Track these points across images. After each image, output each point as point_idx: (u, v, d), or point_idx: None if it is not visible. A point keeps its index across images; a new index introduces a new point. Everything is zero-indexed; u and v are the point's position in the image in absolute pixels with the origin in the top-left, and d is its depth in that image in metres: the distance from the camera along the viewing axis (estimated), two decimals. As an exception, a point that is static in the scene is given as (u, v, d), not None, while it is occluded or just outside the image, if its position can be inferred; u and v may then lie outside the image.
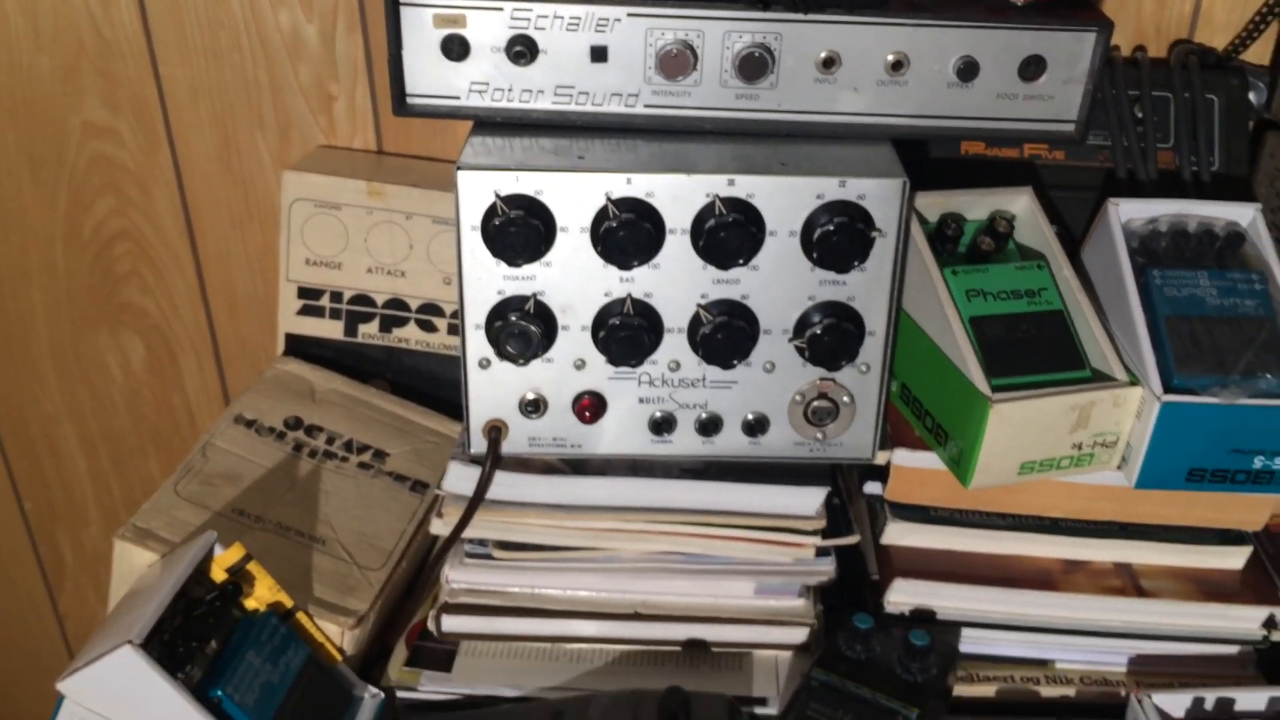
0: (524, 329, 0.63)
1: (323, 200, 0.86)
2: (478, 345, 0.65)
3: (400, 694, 0.72)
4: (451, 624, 0.73)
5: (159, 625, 0.60)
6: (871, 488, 0.74)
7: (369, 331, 0.89)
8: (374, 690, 0.71)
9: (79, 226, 0.97)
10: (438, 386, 0.90)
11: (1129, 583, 0.71)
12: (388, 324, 0.89)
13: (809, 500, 0.68)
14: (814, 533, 0.68)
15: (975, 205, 0.72)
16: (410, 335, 0.89)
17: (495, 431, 0.67)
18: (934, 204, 0.71)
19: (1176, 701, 0.68)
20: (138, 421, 1.07)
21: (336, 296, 0.88)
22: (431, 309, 0.88)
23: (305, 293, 0.88)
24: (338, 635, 0.70)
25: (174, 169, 0.94)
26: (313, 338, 0.89)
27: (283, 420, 0.82)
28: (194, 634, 0.63)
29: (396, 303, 0.88)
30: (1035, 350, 0.65)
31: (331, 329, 0.89)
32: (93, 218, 0.97)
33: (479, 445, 0.68)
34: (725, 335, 0.63)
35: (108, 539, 1.15)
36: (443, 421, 0.87)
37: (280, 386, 0.85)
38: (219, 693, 0.61)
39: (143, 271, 0.99)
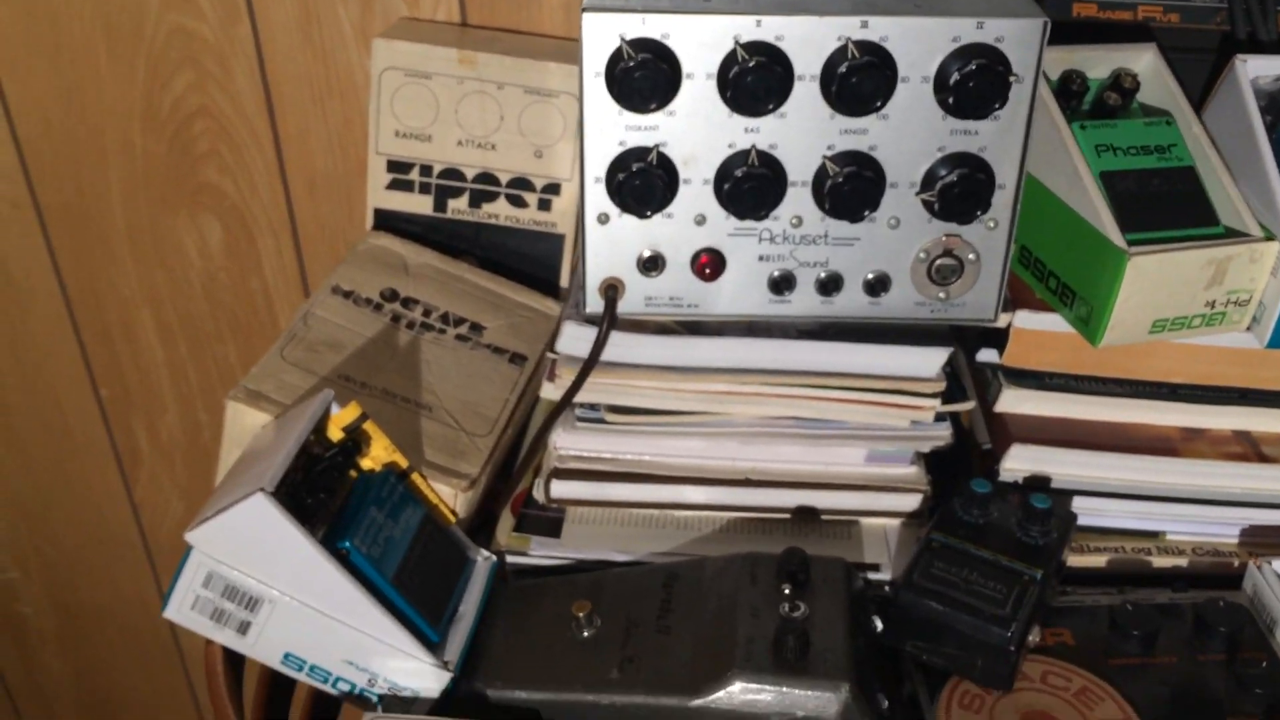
0: (647, 180, 0.61)
1: (413, 69, 0.84)
2: (597, 199, 0.64)
3: (510, 559, 0.72)
4: (561, 489, 0.73)
5: (286, 477, 0.60)
6: (985, 355, 0.72)
7: (458, 207, 0.88)
8: (487, 553, 0.71)
9: (157, 103, 0.96)
10: (525, 263, 0.89)
11: (1250, 449, 0.70)
12: (477, 199, 0.87)
13: (930, 361, 0.67)
14: (934, 395, 0.68)
15: (1098, 63, 0.70)
16: (500, 211, 0.88)
17: (612, 290, 0.66)
18: (1055, 60, 0.69)
19: (1296, 567, 0.68)
20: (215, 307, 1.06)
21: (426, 170, 0.87)
22: (521, 183, 0.87)
23: (394, 166, 0.87)
24: (450, 498, 0.70)
25: (254, 41, 0.92)
26: (402, 213, 0.88)
27: (379, 292, 0.81)
28: (319, 488, 0.63)
29: (486, 177, 0.87)
30: (1167, 206, 0.64)
31: (421, 204, 0.88)
32: (171, 94, 0.95)
33: (595, 305, 0.67)
34: (853, 187, 0.61)
35: (184, 427, 1.15)
36: (535, 297, 0.86)
37: (373, 260, 0.84)
38: (347, 544, 0.61)
39: (221, 150, 0.97)
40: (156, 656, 1.32)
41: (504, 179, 0.87)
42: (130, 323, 1.08)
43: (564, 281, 0.89)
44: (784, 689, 0.60)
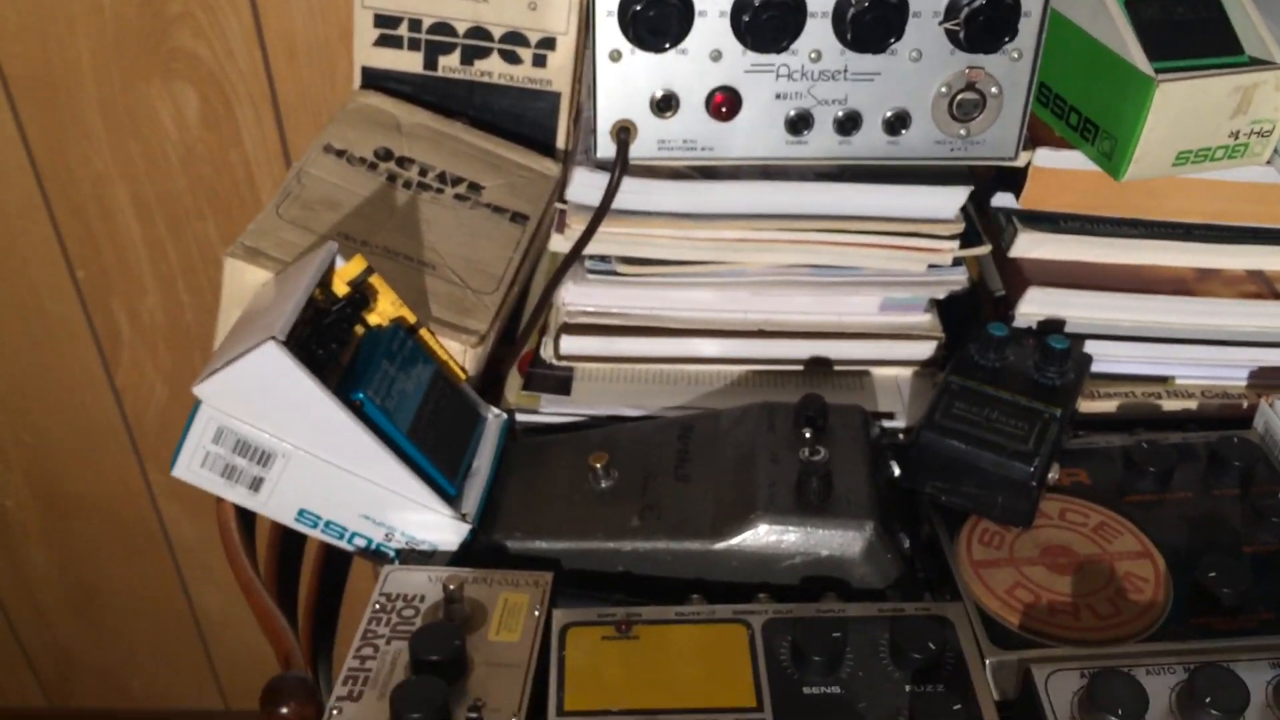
0: (662, 9, 0.59)
1: (399, -84, 0.80)
2: (609, 34, 0.61)
3: (520, 417, 0.71)
4: (571, 345, 0.71)
5: (294, 329, 0.58)
6: (1001, 200, 0.71)
7: (449, 64, 0.84)
8: (497, 411, 0.70)
9: (124, -39, 0.91)
10: (520, 124, 0.86)
11: (1264, 288, 0.69)
12: (469, 55, 0.84)
13: (949, 201, 0.66)
14: (952, 237, 0.66)
15: (1118, -107, 0.67)
16: (493, 68, 0.84)
17: (624, 133, 0.64)
18: (1076, -110, 0.67)
19: (1306, 405, 0.68)
20: (194, 182, 1.03)
21: (415, 25, 0.83)
22: (515, 38, 0.83)
23: (382, 20, 0.83)
24: (460, 354, 0.69)
25: (227, -109, 0.87)
26: (391, 71, 0.85)
27: (373, 151, 0.78)
28: (328, 340, 0.61)
29: (478, 31, 0.83)
30: (1192, 34, 0.62)
31: (410, 61, 0.84)
32: (139, -49, 0.90)
33: (606, 149, 0.65)
34: (876, 15, 0.59)
35: (165, 309, 1.12)
36: (533, 157, 0.83)
37: (364, 119, 0.81)
38: (361, 395, 0.59)
39: (195, 11, 0.93)
40: (144, 545, 1.31)
41: (497, 33, 0.83)
42: (105, 199, 1.04)
43: (560, 142, 0.86)
44: (808, 529, 0.60)
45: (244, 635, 1.32)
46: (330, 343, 0.61)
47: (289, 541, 0.69)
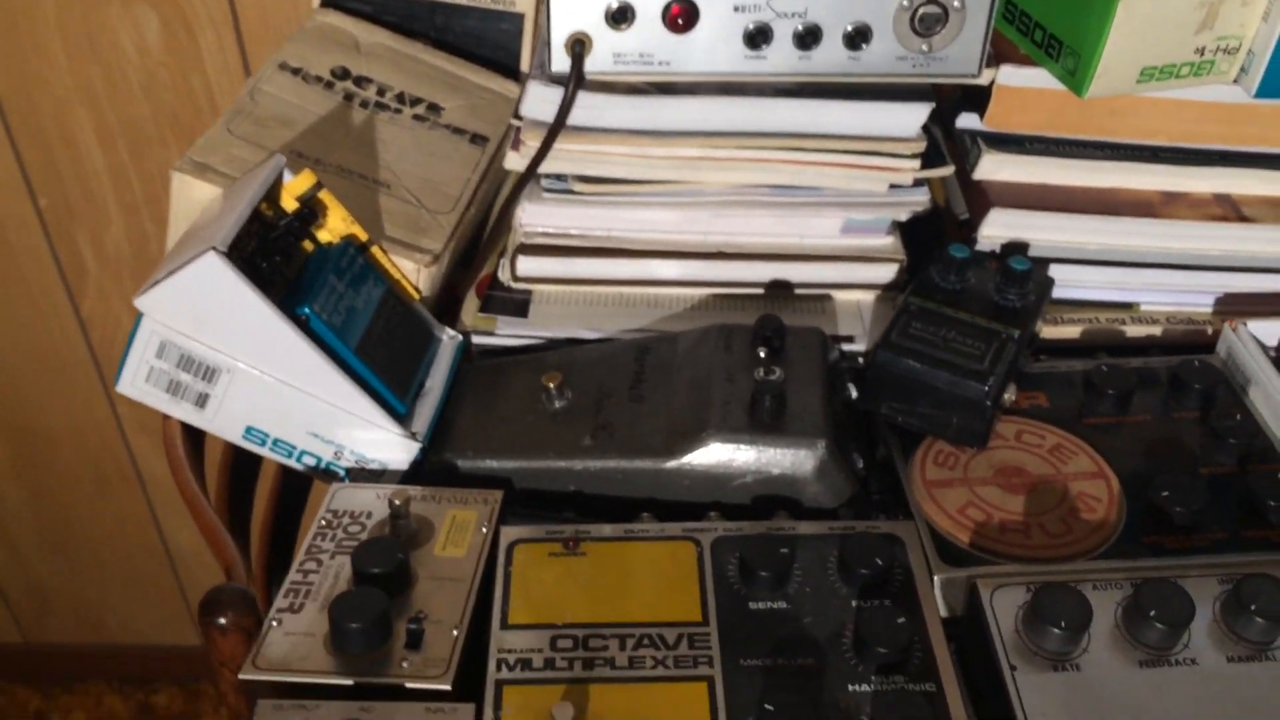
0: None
1: None
2: (562, -58, 0.60)
3: (476, 339, 0.70)
4: (527, 266, 0.70)
5: (238, 241, 0.57)
6: (965, 121, 0.70)
7: (410, -17, 0.83)
8: (452, 332, 0.69)
9: (79, -123, 0.89)
10: (484, 46, 0.84)
11: (1230, 211, 0.68)
12: (431, -27, 0.82)
13: (911, 118, 0.65)
14: (914, 156, 0.65)
15: None
16: (455, -13, 0.83)
17: (579, 45, 0.62)
18: None
19: (1269, 330, 0.67)
20: (156, 107, 1.01)
21: (375, -57, 0.81)
22: (477, -43, 0.82)
23: (341, -61, 0.81)
24: (413, 273, 0.68)
25: None
26: (350, -11, 0.83)
27: (329, 70, 0.77)
28: (274, 253, 0.60)
29: (440, -51, 0.81)
30: (1160, -52, 0.61)
31: (370, -21, 0.83)
32: None
33: (560, 63, 0.63)
34: (835, -77, 0.58)
35: (130, 238, 1.11)
36: (495, 79, 0.82)
37: (322, 37, 0.79)
38: (306, 309, 0.59)
39: (153, -70, 0.91)
40: (115, 480, 1.30)
41: (458, -48, 0.82)
42: (67, 126, 1.03)
43: (524, 65, 0.85)
44: (760, 448, 0.59)
45: (217, 570, 1.32)
46: (276, 257, 0.60)
47: (243, 463, 0.69)
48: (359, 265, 0.63)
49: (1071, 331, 0.71)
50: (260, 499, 0.70)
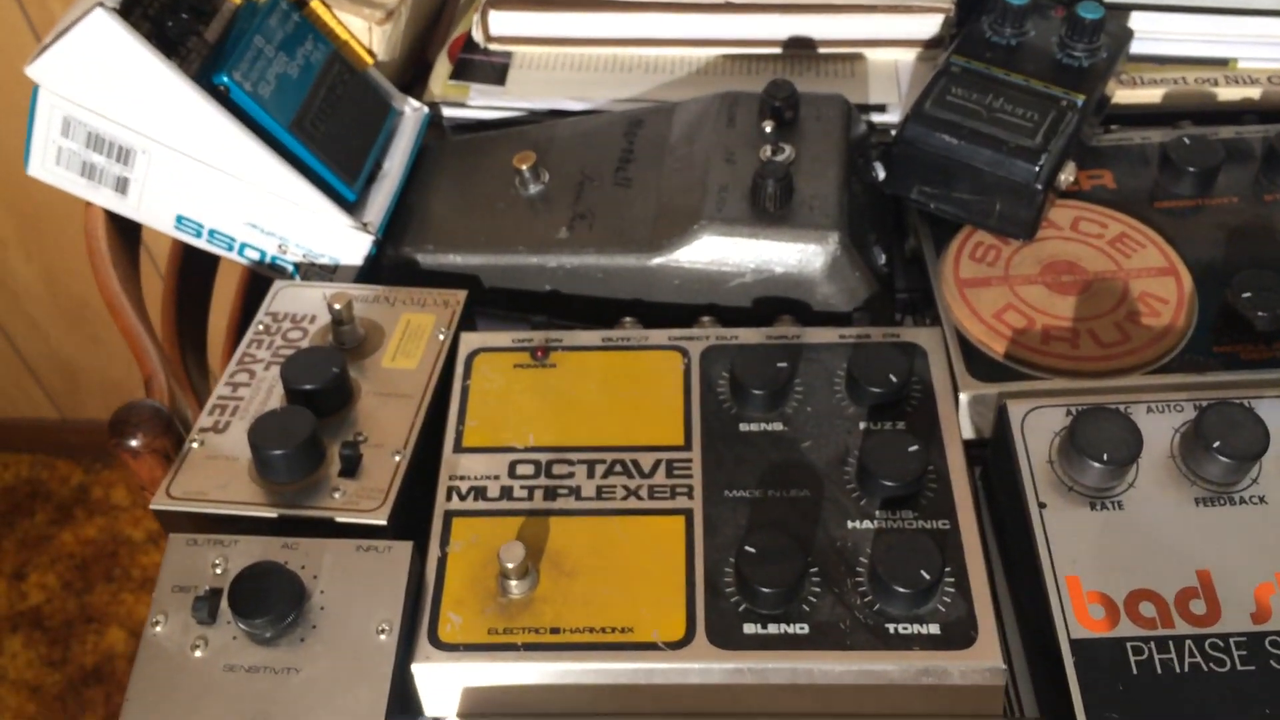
0: None
1: None
2: None
3: (446, 112, 0.61)
4: (502, 23, 0.60)
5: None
6: None
7: None
8: (416, 104, 0.59)
9: None
10: None
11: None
12: None
13: None
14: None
15: None
16: None
17: None
18: None
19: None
20: None
21: None
22: None
23: None
24: (364, 32, 0.58)
25: None
26: None
27: None
28: (185, 8, 0.51)
29: None
30: None
31: None
32: None
33: None
34: None
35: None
36: None
37: None
38: (225, 78, 0.50)
39: None
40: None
41: None
42: None
43: None
44: (761, 241, 0.50)
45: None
46: (184, 14, 0.50)
47: (195, 265, 0.61)
48: (294, 24, 0.54)
49: (1151, 95, 0.60)
50: (225, 307, 0.63)
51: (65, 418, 1.48)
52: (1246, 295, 0.47)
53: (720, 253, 0.50)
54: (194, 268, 0.61)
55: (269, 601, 0.39)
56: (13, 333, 1.36)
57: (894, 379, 0.46)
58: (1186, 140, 0.54)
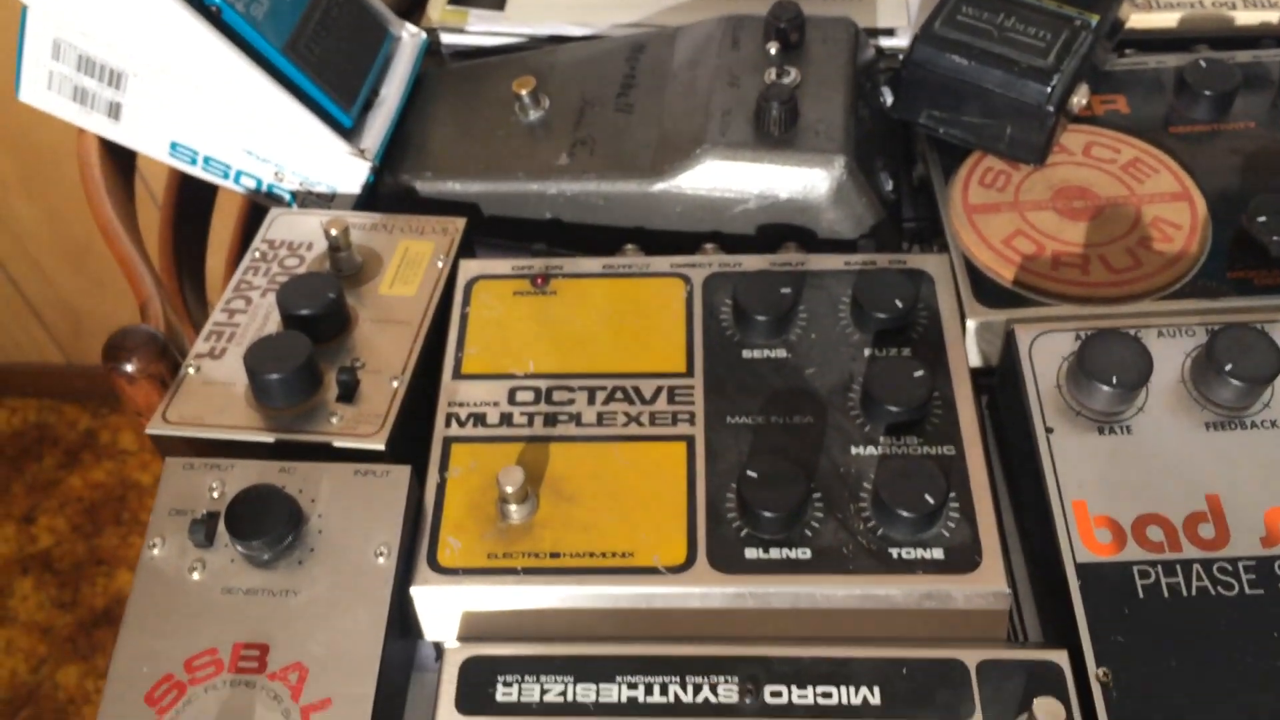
0: None
1: None
2: None
3: (445, 38, 0.60)
4: (500, -55, 0.59)
5: (124, -89, 0.47)
6: None
7: None
8: (414, 29, 0.58)
9: None
10: None
11: None
12: None
13: None
14: None
15: None
16: None
17: None
18: None
19: None
20: None
21: None
22: None
23: None
24: (360, -46, 0.56)
25: None
26: None
27: None
28: (172, -73, 0.49)
29: None
30: None
31: None
32: None
33: None
34: None
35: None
36: None
37: None
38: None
39: None
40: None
41: None
42: None
43: None
44: (765, 165, 0.49)
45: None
46: (174, -69, 0.49)
47: (192, 196, 0.60)
48: (287, -56, 0.52)
49: (1167, 19, 0.58)
50: (224, 238, 0.63)
51: (70, 362, 1.48)
52: (1262, 220, 0.46)
53: (723, 178, 0.49)
54: (191, 199, 0.61)
55: (266, 523, 0.39)
56: (16, 275, 1.36)
57: (900, 304, 0.45)
58: (1202, 64, 0.52)
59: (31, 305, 1.40)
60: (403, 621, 0.40)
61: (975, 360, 0.47)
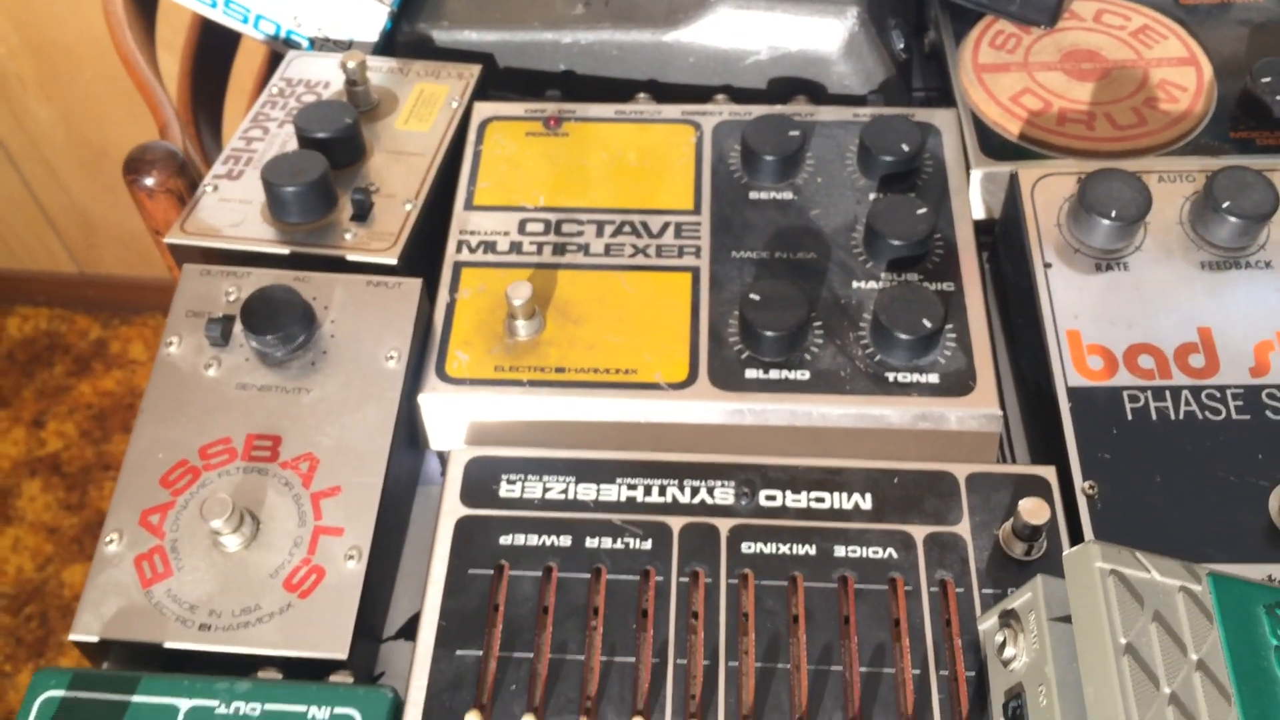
0: None
1: None
2: None
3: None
4: None
5: None
6: None
7: None
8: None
9: None
10: None
11: None
12: None
13: None
14: None
15: None
16: None
17: None
18: None
19: None
20: None
21: None
22: None
23: None
24: None
25: None
26: None
27: None
28: None
29: None
30: None
31: None
32: None
33: None
34: None
35: None
36: None
37: None
38: None
39: None
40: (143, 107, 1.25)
41: None
42: None
43: None
44: (777, 14, 0.50)
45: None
46: None
47: (212, 43, 0.61)
48: None
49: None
50: (246, 82, 0.63)
51: (83, 271, 1.49)
52: (1266, 80, 0.47)
53: (736, 27, 0.50)
54: (211, 47, 0.61)
55: (280, 320, 0.40)
56: (30, 179, 1.36)
57: (906, 148, 0.46)
58: (1218, -65, 0.53)
59: (45, 211, 1.41)
60: (411, 434, 0.41)
61: (979, 212, 0.47)
